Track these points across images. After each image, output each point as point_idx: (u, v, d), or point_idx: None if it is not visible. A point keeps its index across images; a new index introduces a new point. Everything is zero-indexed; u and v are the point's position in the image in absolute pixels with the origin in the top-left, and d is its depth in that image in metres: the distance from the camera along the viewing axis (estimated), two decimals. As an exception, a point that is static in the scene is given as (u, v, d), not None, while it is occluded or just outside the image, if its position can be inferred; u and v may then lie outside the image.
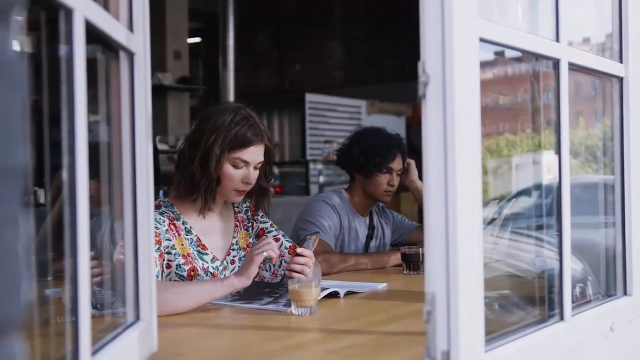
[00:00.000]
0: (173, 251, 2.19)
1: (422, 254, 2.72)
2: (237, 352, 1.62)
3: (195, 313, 1.96)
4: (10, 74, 0.57)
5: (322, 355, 1.58)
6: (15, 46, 0.59)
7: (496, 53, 1.53)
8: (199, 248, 2.26)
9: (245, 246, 2.40)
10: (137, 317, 1.40)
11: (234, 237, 2.39)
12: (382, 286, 2.42)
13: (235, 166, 2.23)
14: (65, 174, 1.03)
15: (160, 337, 1.50)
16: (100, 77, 1.35)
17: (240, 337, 1.75)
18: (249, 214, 2.46)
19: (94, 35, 1.12)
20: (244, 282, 1.99)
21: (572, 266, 1.60)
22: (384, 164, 3.05)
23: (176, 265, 2.19)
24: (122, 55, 1.36)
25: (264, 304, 2.02)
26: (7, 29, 0.57)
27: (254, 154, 2.25)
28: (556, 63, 1.55)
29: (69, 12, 1.00)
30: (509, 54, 1.61)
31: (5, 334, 0.57)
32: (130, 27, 1.38)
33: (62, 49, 1.02)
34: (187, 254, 2.22)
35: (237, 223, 2.42)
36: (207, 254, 2.28)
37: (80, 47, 1.02)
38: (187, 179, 2.24)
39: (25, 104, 0.60)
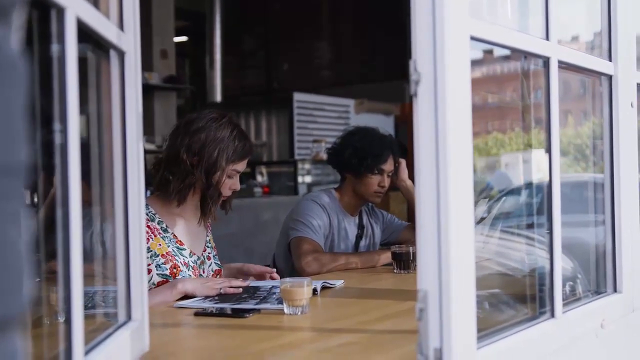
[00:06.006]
0: (149, 253, 2.26)
1: (413, 253, 2.72)
2: (228, 352, 1.61)
3: (187, 314, 1.96)
4: (11, 73, 0.57)
5: (314, 354, 1.58)
6: (16, 45, 0.59)
7: (485, 51, 1.53)
8: (177, 244, 2.36)
9: (214, 246, 2.56)
10: (129, 317, 1.40)
11: (207, 236, 2.53)
12: (339, 283, 2.44)
13: (229, 176, 2.38)
14: (56, 175, 1.02)
15: (152, 337, 1.49)
16: (90, 76, 1.34)
17: (232, 337, 1.75)
18: (210, 221, 2.60)
19: (84, 34, 1.12)
20: (181, 289, 2.16)
21: (562, 265, 1.61)
22: (376, 165, 3.05)
23: (156, 266, 2.27)
24: (113, 54, 1.35)
25: (257, 304, 2.02)
26: (8, 28, 0.57)
27: (245, 164, 2.44)
28: (546, 61, 1.56)
29: (60, 11, 1.00)
30: (498, 52, 1.62)
31: (8, 331, 0.57)
32: (121, 26, 1.37)
33: (54, 48, 1.02)
34: (167, 253, 2.31)
35: (208, 224, 2.56)
36: (185, 249, 2.38)
37: (72, 45, 1.02)
38: (187, 187, 2.33)
39: (25, 103, 0.60)
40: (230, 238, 5.04)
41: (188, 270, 2.34)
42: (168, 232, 2.35)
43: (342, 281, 2.47)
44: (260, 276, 2.50)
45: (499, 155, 2.12)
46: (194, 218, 2.44)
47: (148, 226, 2.29)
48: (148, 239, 2.26)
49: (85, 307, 1.12)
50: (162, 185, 2.35)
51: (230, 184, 2.38)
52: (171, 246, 2.33)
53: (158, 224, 2.34)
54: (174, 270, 2.29)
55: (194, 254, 2.41)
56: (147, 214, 2.31)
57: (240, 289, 2.20)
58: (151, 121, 7.56)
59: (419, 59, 1.20)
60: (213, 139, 2.32)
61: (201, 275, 2.40)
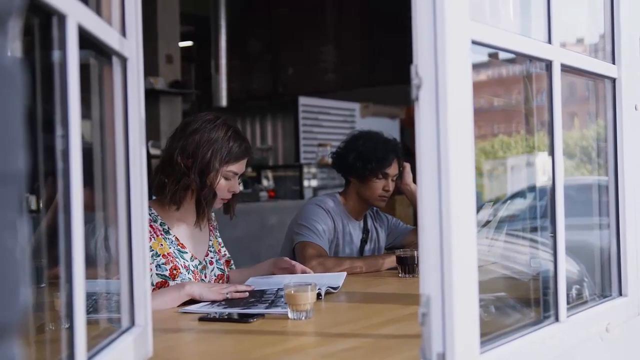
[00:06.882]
0: (150, 252, 2.26)
1: (417, 257, 2.71)
2: (233, 357, 1.61)
3: (190, 319, 1.96)
4: (8, 80, 0.58)
5: (318, 358, 1.57)
6: (13, 52, 0.60)
7: (490, 55, 1.53)
8: (178, 247, 2.37)
9: (217, 250, 2.54)
10: (132, 323, 1.40)
11: (210, 240, 2.52)
12: (343, 276, 2.50)
13: (226, 178, 2.37)
14: (58, 181, 1.03)
15: (156, 343, 1.49)
16: (93, 83, 1.35)
17: (236, 342, 1.75)
18: (216, 223, 2.61)
19: (86, 40, 1.12)
20: (188, 291, 2.14)
21: (568, 268, 1.61)
22: (380, 169, 3.05)
23: (156, 266, 2.28)
24: (115, 61, 1.36)
25: (266, 308, 2.02)
26: (5, 35, 0.58)
27: (243, 166, 2.42)
28: (549, 65, 1.55)
29: (62, 18, 1.00)
30: (503, 55, 1.62)
31: (6, 337, 0.57)
32: (123, 32, 1.37)
33: (55, 54, 1.02)
34: (168, 253, 2.32)
35: (211, 228, 2.56)
36: (187, 252, 2.39)
37: (74, 52, 1.02)
38: (182, 189, 2.33)
39: (23, 110, 0.60)
40: (236, 242, 5.04)
41: (188, 273, 2.33)
42: (170, 234, 2.36)
43: (345, 273, 2.52)
44: (291, 270, 2.54)
45: (505, 158, 2.12)
46: (196, 224, 2.44)
47: (151, 226, 2.29)
48: (150, 238, 2.26)
49: (88, 312, 1.12)
50: (160, 188, 2.35)
51: (228, 186, 2.37)
52: (172, 248, 2.33)
53: (160, 225, 2.35)
54: (174, 272, 2.29)
55: (196, 259, 2.40)
56: (149, 215, 2.31)
57: (247, 294, 2.21)
58: (157, 126, 7.56)
59: (420, 63, 1.20)
60: (207, 140, 2.32)
61: (202, 280, 2.40)
